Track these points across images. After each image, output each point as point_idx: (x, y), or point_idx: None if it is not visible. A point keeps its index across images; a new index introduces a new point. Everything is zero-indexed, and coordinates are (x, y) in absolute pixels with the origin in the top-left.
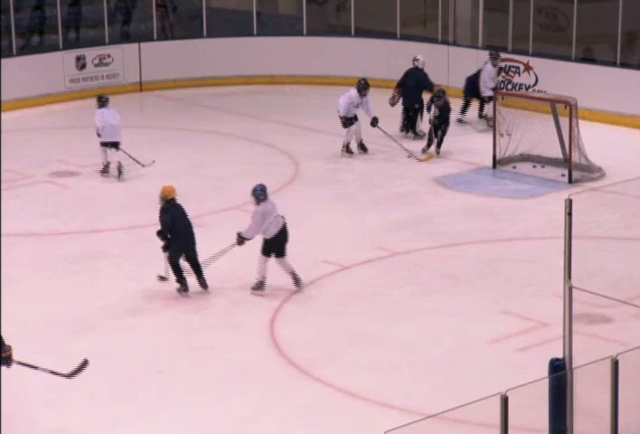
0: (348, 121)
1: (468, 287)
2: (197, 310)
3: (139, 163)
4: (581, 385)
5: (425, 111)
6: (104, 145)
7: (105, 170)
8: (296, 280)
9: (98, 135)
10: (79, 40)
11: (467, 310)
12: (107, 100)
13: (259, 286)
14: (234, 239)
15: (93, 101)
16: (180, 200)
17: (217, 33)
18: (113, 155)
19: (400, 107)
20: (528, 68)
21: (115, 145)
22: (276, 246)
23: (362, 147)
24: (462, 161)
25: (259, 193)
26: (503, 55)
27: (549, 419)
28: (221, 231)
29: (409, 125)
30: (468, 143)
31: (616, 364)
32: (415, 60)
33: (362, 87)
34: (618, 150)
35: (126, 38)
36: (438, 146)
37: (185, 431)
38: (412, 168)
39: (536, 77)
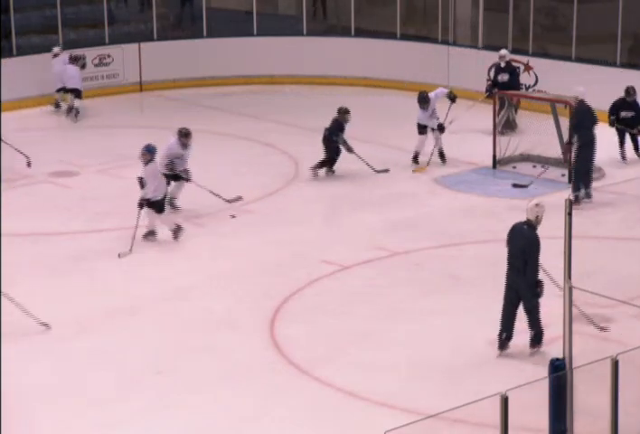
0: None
1: (468, 287)
2: (197, 310)
3: (225, 199)
4: (581, 385)
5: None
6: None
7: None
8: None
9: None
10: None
11: (467, 310)
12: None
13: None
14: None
15: (93, 101)
16: (180, 200)
17: (217, 33)
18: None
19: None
20: (528, 68)
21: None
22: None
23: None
24: (462, 161)
25: (153, 152)
26: None
27: (549, 419)
28: (221, 230)
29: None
30: (468, 143)
31: (616, 364)
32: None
33: (423, 99)
34: (618, 150)
35: (126, 38)
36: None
37: (185, 431)
38: (412, 168)
39: (536, 77)
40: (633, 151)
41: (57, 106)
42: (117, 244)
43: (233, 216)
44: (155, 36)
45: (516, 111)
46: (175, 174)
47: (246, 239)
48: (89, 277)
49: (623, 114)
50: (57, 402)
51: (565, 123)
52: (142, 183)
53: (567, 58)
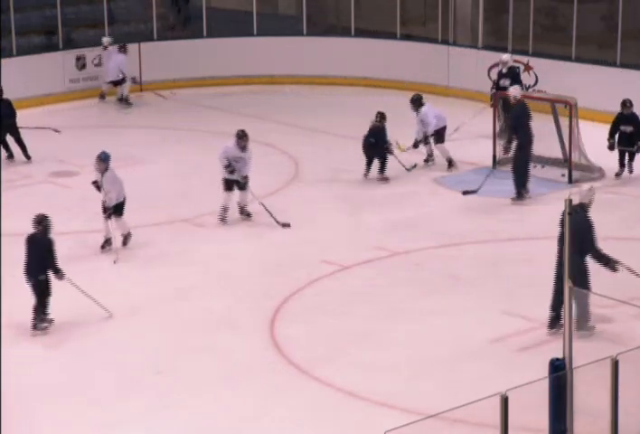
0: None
1: (468, 287)
2: (197, 310)
3: (277, 221)
4: (581, 385)
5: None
6: None
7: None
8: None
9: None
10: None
11: (467, 310)
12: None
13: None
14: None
15: (93, 101)
16: (180, 200)
17: (217, 33)
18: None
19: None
20: (528, 68)
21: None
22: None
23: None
24: (462, 161)
25: (107, 160)
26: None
27: (549, 419)
28: (221, 231)
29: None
30: (468, 143)
31: (616, 364)
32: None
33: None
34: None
35: (126, 38)
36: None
37: (185, 431)
38: (430, 165)
39: (536, 77)
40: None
41: (102, 97)
42: (117, 244)
43: (286, 225)
44: (155, 36)
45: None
46: (234, 181)
47: (246, 239)
48: (89, 277)
49: (622, 128)
50: (57, 402)
51: (565, 123)
52: (98, 187)
53: (567, 58)
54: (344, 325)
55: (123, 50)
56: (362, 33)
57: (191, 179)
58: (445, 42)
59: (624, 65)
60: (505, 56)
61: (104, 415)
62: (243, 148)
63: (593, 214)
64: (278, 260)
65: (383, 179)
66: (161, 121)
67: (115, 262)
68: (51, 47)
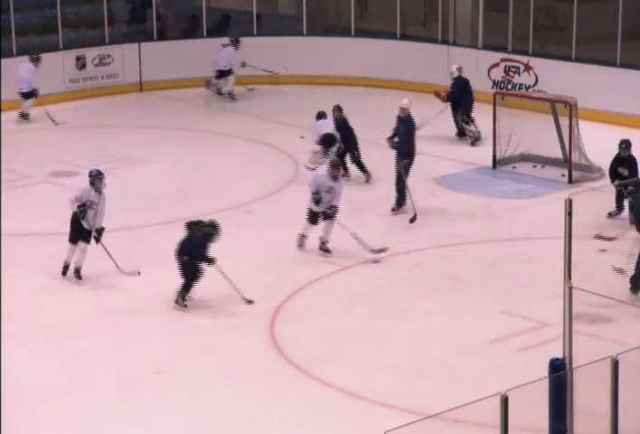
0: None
1: (468, 287)
2: (197, 310)
3: (370, 249)
4: (581, 385)
5: None
6: None
7: None
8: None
9: None
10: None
11: (467, 310)
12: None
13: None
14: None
15: (93, 101)
16: (180, 200)
17: (217, 33)
18: None
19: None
20: (528, 68)
21: None
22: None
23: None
24: (462, 161)
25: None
26: (503, 55)
27: (549, 419)
28: (222, 230)
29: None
30: (468, 143)
31: (616, 364)
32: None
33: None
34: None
35: (126, 38)
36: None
37: (185, 431)
38: (412, 168)
39: (536, 77)
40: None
41: (220, 93)
42: (117, 244)
43: (376, 261)
44: (155, 36)
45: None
46: (320, 213)
47: (246, 239)
48: (90, 276)
49: (619, 170)
50: (57, 402)
51: (565, 123)
52: (84, 210)
53: (567, 58)
54: (344, 325)
55: (233, 43)
56: (362, 33)
57: (191, 179)
58: (445, 42)
59: (624, 65)
60: (405, 101)
61: (104, 415)
62: (335, 178)
63: (593, 214)
64: (278, 260)
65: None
66: (161, 121)
67: (139, 274)
68: (51, 47)
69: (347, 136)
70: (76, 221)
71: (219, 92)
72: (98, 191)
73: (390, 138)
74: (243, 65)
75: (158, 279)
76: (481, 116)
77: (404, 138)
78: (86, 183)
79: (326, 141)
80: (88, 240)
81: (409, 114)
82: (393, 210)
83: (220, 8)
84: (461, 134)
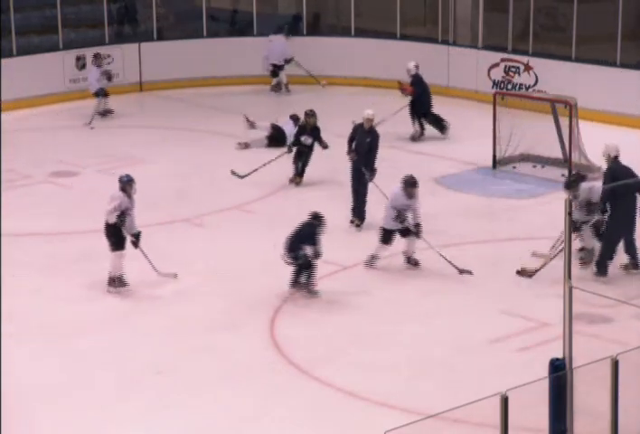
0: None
1: (468, 287)
2: (197, 310)
3: (460, 269)
4: (581, 385)
5: None
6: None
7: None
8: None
9: None
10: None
11: (467, 310)
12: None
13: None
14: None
15: (93, 101)
16: (180, 200)
17: (217, 33)
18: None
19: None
20: (528, 68)
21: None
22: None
23: None
24: (462, 161)
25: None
26: (503, 55)
27: (549, 419)
28: (222, 230)
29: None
30: (468, 143)
31: (616, 364)
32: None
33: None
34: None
35: (126, 38)
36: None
37: (185, 431)
38: (412, 168)
39: (536, 77)
40: None
41: (280, 88)
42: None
43: (467, 271)
44: (155, 36)
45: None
46: (395, 231)
47: (246, 239)
48: (90, 277)
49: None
50: (57, 402)
51: (565, 123)
52: (124, 219)
53: (567, 58)
54: (344, 325)
55: (285, 36)
56: (362, 32)
57: (191, 179)
58: (445, 42)
59: (624, 65)
60: (369, 111)
61: (104, 415)
62: (411, 195)
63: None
64: (278, 260)
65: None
66: (161, 121)
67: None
68: (51, 47)
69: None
70: (114, 230)
71: (277, 87)
72: (130, 196)
73: (351, 150)
74: (290, 61)
75: (158, 279)
76: (481, 116)
77: (369, 150)
78: (118, 191)
79: (275, 137)
80: (125, 247)
81: (373, 125)
82: (358, 225)
83: (220, 8)
84: (440, 127)
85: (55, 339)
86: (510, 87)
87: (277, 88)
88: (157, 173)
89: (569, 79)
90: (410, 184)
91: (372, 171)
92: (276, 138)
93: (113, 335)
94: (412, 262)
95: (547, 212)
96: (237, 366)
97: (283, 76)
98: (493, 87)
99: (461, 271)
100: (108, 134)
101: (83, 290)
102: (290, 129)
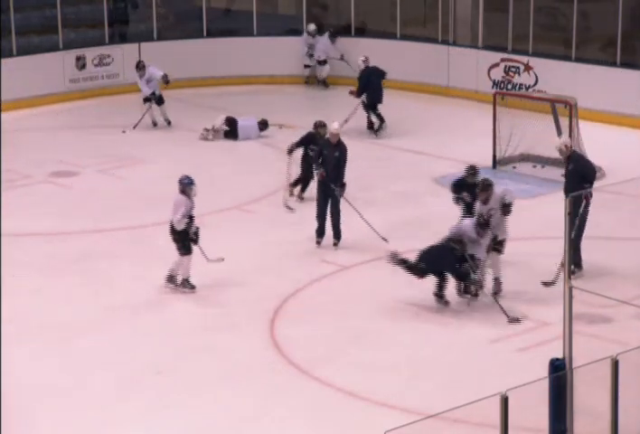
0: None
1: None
2: (197, 310)
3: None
4: (581, 385)
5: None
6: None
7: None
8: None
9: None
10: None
11: (467, 310)
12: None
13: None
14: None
15: (93, 101)
16: None
17: (217, 33)
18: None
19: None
20: (528, 68)
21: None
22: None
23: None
24: (462, 161)
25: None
26: (503, 55)
27: (549, 419)
28: (222, 230)
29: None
30: (468, 143)
31: (616, 364)
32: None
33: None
34: (618, 150)
35: (125, 38)
36: None
37: (185, 431)
38: (412, 168)
39: (536, 77)
40: None
41: (325, 84)
42: (117, 244)
43: (516, 320)
44: (155, 36)
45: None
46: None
47: (246, 239)
48: (90, 277)
49: (463, 195)
50: (57, 402)
51: (565, 123)
52: (192, 223)
53: (567, 58)
54: (344, 325)
55: (332, 35)
56: (362, 33)
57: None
58: (445, 42)
59: (624, 65)
60: (335, 125)
61: (104, 415)
62: (480, 234)
63: (593, 214)
64: (278, 260)
65: (290, 191)
66: (161, 121)
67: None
68: (51, 47)
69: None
70: (182, 235)
71: (321, 82)
72: (190, 197)
73: (318, 165)
74: (342, 58)
75: (158, 279)
76: (481, 116)
77: (338, 165)
78: (179, 195)
79: (230, 129)
80: (192, 251)
81: (340, 139)
82: (335, 244)
83: (220, 8)
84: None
85: (55, 339)
86: (510, 87)
87: (314, 81)
88: (157, 173)
89: (569, 79)
90: (484, 225)
91: (342, 186)
92: (229, 131)
93: (113, 335)
94: (497, 291)
95: (547, 212)
96: (237, 366)
97: (324, 71)
98: (493, 87)
99: (514, 320)
100: (108, 134)
101: (83, 290)
102: (247, 125)
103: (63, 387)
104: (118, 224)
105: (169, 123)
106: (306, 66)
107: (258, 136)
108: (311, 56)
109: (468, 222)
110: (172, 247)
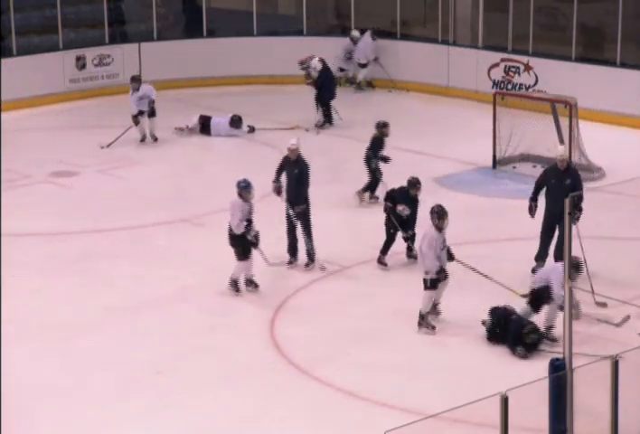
0: None
1: (468, 288)
2: (197, 310)
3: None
4: (581, 385)
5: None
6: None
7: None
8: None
9: None
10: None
11: (467, 310)
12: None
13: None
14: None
15: (93, 101)
16: (180, 200)
17: (217, 33)
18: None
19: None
20: (528, 68)
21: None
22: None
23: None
24: (462, 161)
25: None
26: (503, 55)
27: (549, 419)
28: (222, 230)
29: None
30: (468, 143)
31: (616, 364)
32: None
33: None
34: (618, 150)
35: (125, 38)
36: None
37: (185, 431)
38: (412, 168)
39: (536, 77)
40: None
41: (360, 86)
42: (117, 244)
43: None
44: (155, 36)
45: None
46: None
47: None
48: (90, 277)
49: (399, 209)
50: (57, 402)
51: (565, 123)
52: (251, 227)
53: (567, 58)
54: (344, 325)
55: (374, 35)
56: (361, 33)
57: (190, 179)
58: (445, 42)
59: (624, 65)
60: (293, 141)
61: (104, 415)
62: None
63: (593, 214)
64: (278, 260)
65: (360, 198)
66: (160, 121)
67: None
68: (51, 47)
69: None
70: (240, 240)
71: (358, 84)
72: (248, 201)
73: (275, 182)
74: (376, 60)
75: (158, 279)
76: (481, 116)
77: (298, 182)
78: (236, 199)
79: (204, 125)
80: (251, 255)
81: (300, 154)
82: (290, 262)
83: (220, 8)
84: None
85: (55, 339)
86: (510, 87)
87: (352, 83)
88: (157, 173)
89: (569, 79)
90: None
91: (304, 204)
92: (203, 127)
93: (113, 335)
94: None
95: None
96: (237, 366)
97: (362, 74)
98: (493, 87)
99: (553, 339)
100: (107, 134)
101: (83, 290)
102: (218, 121)
103: (63, 387)
104: (118, 224)
105: (155, 139)
106: (341, 69)
107: (228, 133)
108: (349, 59)
109: (559, 267)
110: (172, 247)
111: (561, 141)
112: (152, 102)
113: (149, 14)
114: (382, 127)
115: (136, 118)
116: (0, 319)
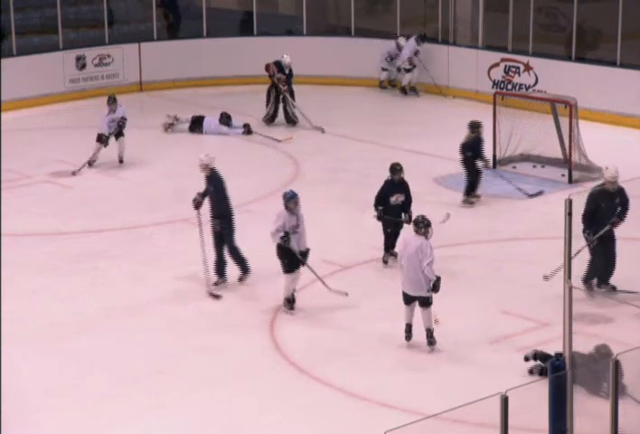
0: None
1: (468, 287)
2: (197, 310)
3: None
4: (581, 385)
5: None
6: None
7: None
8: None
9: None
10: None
11: (467, 310)
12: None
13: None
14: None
15: (93, 101)
16: (180, 200)
17: (217, 33)
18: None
19: None
20: (528, 68)
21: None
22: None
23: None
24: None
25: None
26: (503, 55)
27: (549, 419)
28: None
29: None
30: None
31: (616, 364)
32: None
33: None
34: (618, 150)
35: (126, 38)
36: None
37: (185, 431)
38: (412, 168)
39: (536, 77)
40: None
41: (404, 91)
42: (117, 244)
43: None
44: (155, 36)
45: (293, 106)
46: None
47: (246, 239)
48: (90, 277)
49: (392, 199)
50: (57, 402)
51: (565, 123)
52: (288, 239)
53: (567, 58)
54: (344, 325)
55: (419, 40)
56: (362, 33)
57: (190, 179)
58: (445, 42)
59: (624, 65)
60: (202, 156)
61: (104, 415)
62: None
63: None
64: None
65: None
66: (161, 121)
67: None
68: (51, 47)
69: None
70: (286, 251)
71: (402, 88)
72: (294, 213)
73: (196, 198)
74: (411, 63)
75: (158, 279)
76: (481, 116)
77: (214, 197)
78: (282, 210)
79: (195, 123)
80: (297, 270)
81: (214, 168)
82: (241, 279)
83: (220, 8)
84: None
85: (55, 339)
86: (510, 87)
87: (394, 85)
88: (157, 173)
89: (569, 79)
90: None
91: (225, 219)
92: (195, 125)
93: (112, 335)
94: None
95: (547, 212)
96: (237, 366)
97: (405, 79)
98: (493, 87)
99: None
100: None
101: (83, 290)
102: (210, 119)
103: (63, 387)
104: (118, 224)
105: (121, 161)
106: (384, 69)
107: (218, 130)
108: (391, 60)
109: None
110: (172, 247)
111: (561, 141)
112: (123, 120)
113: (149, 13)
114: (479, 127)
115: (106, 140)
116: (0, 319)
